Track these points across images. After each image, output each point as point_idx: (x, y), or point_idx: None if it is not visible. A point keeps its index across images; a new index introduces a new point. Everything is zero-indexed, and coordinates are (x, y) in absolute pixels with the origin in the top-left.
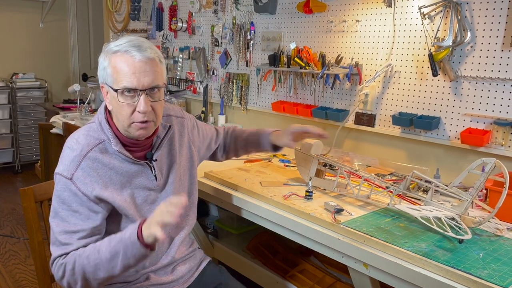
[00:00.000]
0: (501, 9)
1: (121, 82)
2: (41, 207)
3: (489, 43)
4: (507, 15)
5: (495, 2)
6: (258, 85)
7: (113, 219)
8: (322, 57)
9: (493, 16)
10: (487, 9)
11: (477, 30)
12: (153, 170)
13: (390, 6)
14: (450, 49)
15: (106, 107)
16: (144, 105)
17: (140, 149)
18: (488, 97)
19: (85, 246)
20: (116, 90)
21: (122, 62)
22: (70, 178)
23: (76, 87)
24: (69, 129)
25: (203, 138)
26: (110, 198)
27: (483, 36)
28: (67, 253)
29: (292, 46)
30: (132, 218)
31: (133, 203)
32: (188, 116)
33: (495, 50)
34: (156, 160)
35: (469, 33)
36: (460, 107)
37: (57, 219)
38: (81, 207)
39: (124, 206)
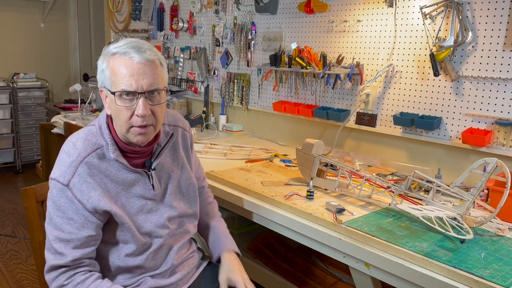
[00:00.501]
0: (503, 9)
1: (119, 85)
2: (42, 207)
3: (490, 43)
4: (509, 15)
5: (496, 2)
6: (259, 85)
7: (109, 227)
8: (323, 57)
9: (494, 16)
10: (488, 9)
11: (478, 30)
12: (151, 179)
13: (391, 6)
14: (451, 49)
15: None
16: (142, 109)
17: (139, 156)
18: (489, 97)
19: (80, 258)
20: (114, 93)
21: (120, 64)
22: (67, 184)
23: (77, 87)
24: (70, 129)
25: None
26: (107, 207)
27: (484, 36)
28: (63, 267)
29: (293, 46)
30: (128, 227)
31: (128, 212)
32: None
33: (496, 50)
34: (154, 169)
35: (470, 33)
36: (461, 107)
37: (52, 226)
38: (76, 215)
39: (120, 214)
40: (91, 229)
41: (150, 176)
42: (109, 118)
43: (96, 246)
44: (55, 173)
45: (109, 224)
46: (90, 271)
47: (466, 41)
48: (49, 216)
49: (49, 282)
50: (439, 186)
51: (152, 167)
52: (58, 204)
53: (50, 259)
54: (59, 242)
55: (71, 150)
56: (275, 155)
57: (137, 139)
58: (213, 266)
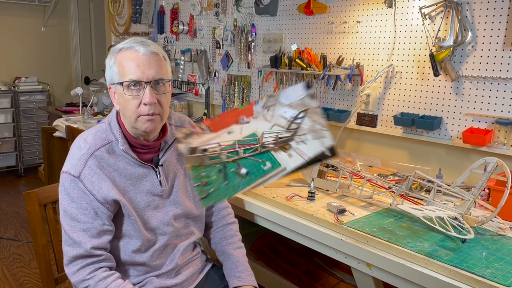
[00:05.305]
0: (502, 8)
1: (127, 76)
2: (45, 210)
3: (490, 43)
4: (508, 15)
5: (495, 2)
6: (259, 86)
7: (115, 221)
8: (323, 58)
9: (493, 15)
10: (487, 9)
11: (478, 30)
12: (158, 175)
13: (390, 6)
14: (451, 49)
15: (117, 111)
16: (149, 97)
17: (148, 151)
18: (489, 96)
19: (99, 247)
20: (122, 83)
21: (127, 57)
22: (78, 176)
23: (78, 90)
24: (72, 132)
25: None
26: (116, 197)
27: (484, 36)
28: (84, 257)
29: (293, 47)
30: (134, 220)
31: (135, 207)
32: None
33: (496, 50)
34: (162, 165)
35: (470, 33)
36: (461, 106)
37: (67, 218)
38: (89, 205)
39: (128, 206)
40: (104, 219)
41: (158, 173)
42: (118, 115)
43: (111, 237)
44: (66, 166)
45: (116, 218)
46: (110, 268)
47: (466, 41)
48: (63, 210)
49: (70, 275)
50: (440, 186)
51: (160, 163)
52: (71, 195)
53: (69, 251)
54: (77, 231)
55: (81, 144)
56: None
57: (146, 126)
58: (216, 268)
